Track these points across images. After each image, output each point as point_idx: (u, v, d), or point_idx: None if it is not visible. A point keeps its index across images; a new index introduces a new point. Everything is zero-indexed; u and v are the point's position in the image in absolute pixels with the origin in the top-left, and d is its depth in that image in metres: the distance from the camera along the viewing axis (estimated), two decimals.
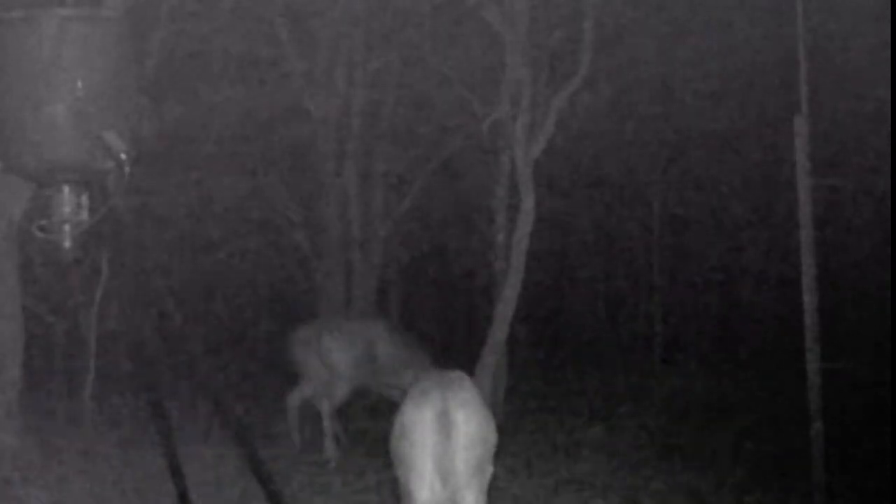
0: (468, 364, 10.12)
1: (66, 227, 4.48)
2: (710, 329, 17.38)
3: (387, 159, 14.07)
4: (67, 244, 4.48)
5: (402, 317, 16.81)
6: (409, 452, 4.98)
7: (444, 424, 4.96)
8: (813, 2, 7.78)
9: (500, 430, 5.38)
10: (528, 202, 10.32)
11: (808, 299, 7.05)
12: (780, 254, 16.27)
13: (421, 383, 5.18)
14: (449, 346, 16.61)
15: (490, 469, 5.14)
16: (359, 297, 13.59)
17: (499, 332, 10.40)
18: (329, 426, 9.75)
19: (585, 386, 13.58)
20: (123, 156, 4.36)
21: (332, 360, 9.90)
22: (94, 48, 4.42)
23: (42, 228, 4.50)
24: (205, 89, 13.25)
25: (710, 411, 11.80)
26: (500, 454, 5.31)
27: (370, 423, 10.33)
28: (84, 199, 4.50)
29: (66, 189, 4.48)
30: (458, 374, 5.30)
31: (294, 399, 10.09)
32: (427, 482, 4.94)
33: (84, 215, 4.49)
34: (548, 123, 10.37)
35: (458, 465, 4.95)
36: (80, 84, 4.36)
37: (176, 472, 4.84)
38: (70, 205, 4.48)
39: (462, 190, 15.52)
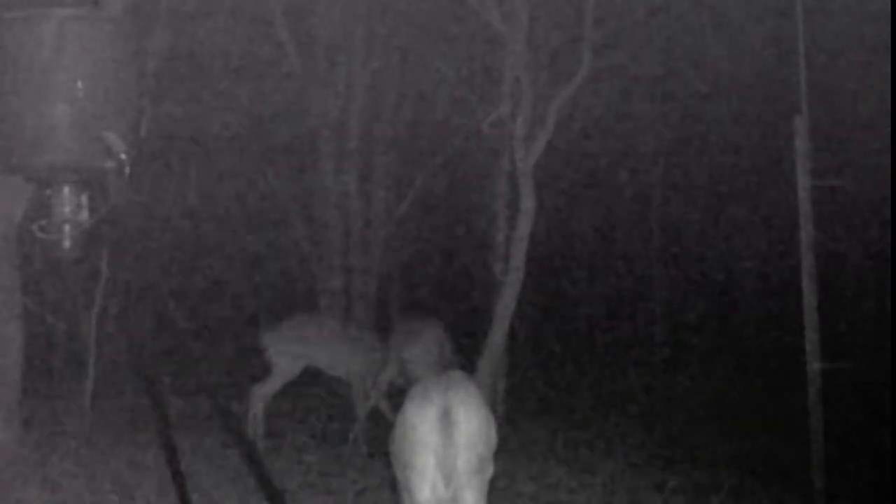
0: (468, 364, 10.14)
1: (66, 227, 4.47)
2: (710, 329, 17.38)
3: (387, 159, 14.07)
4: (67, 244, 4.48)
5: (402, 316, 16.79)
6: (411, 452, 4.98)
7: (446, 424, 4.96)
8: (813, 2, 7.77)
9: (500, 429, 5.38)
10: (528, 202, 10.31)
11: (808, 299, 7.04)
12: (780, 254, 16.27)
13: (422, 383, 5.18)
14: None
15: (490, 469, 5.13)
16: (359, 297, 13.60)
17: (499, 332, 10.40)
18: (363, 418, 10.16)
19: (585, 386, 13.58)
20: (123, 156, 4.36)
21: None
22: (94, 48, 4.42)
23: (42, 228, 4.50)
24: (205, 89, 13.25)
25: (711, 411, 11.80)
26: (499, 454, 5.31)
27: (370, 423, 10.34)
28: (84, 199, 4.50)
29: (66, 189, 4.47)
30: (459, 374, 5.30)
31: (263, 394, 10.23)
32: (429, 482, 4.94)
33: (84, 215, 4.49)
34: (548, 123, 10.36)
35: (459, 465, 4.95)
36: (80, 84, 4.35)
37: (176, 471, 4.84)
38: (70, 205, 4.48)
39: (462, 190, 15.52)
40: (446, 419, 4.97)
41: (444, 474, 4.93)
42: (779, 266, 16.30)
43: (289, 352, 10.44)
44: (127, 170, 4.36)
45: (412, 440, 4.99)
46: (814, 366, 7.00)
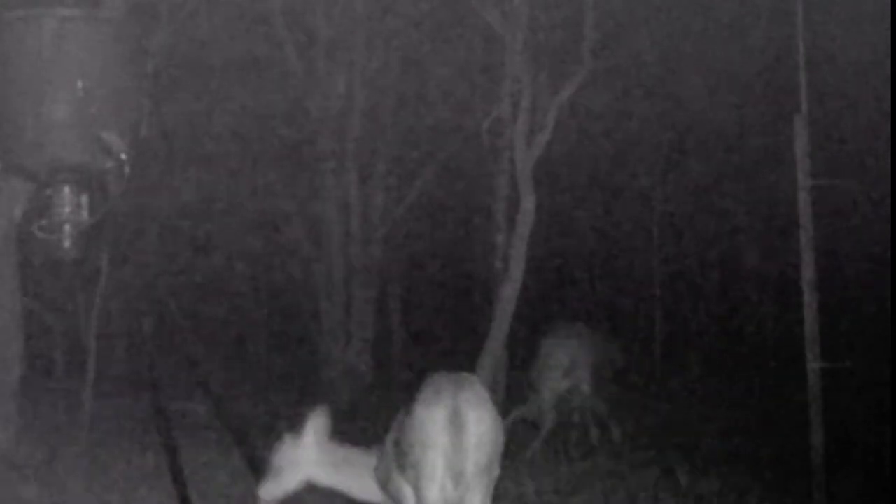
0: (468, 364, 10.13)
1: (66, 227, 4.48)
2: (710, 329, 17.38)
3: (387, 159, 14.06)
4: (67, 244, 4.48)
5: (402, 317, 16.81)
6: (420, 452, 4.96)
7: (456, 425, 4.94)
8: (813, 2, 7.77)
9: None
10: (528, 202, 10.31)
11: (808, 299, 7.04)
12: (780, 254, 16.26)
13: (431, 385, 5.14)
14: (449, 346, 16.60)
15: (497, 470, 5.12)
16: (359, 296, 13.60)
17: (499, 332, 10.40)
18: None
19: None
20: (123, 156, 4.36)
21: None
22: (94, 48, 4.42)
23: (42, 228, 4.50)
24: (205, 89, 13.26)
25: (710, 411, 11.80)
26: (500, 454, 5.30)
27: (368, 423, 10.33)
28: (84, 199, 4.50)
29: (66, 189, 4.47)
30: (466, 376, 5.28)
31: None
32: (437, 482, 4.92)
33: (84, 215, 4.49)
34: (548, 123, 10.37)
35: (468, 466, 4.93)
36: (80, 84, 4.36)
37: (176, 472, 4.84)
38: (70, 205, 4.48)
39: (462, 190, 15.52)
40: (456, 420, 4.96)
41: (454, 476, 4.92)
42: (779, 266, 16.31)
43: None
44: (127, 170, 4.37)
45: (421, 441, 4.96)
46: (814, 365, 6.99)
